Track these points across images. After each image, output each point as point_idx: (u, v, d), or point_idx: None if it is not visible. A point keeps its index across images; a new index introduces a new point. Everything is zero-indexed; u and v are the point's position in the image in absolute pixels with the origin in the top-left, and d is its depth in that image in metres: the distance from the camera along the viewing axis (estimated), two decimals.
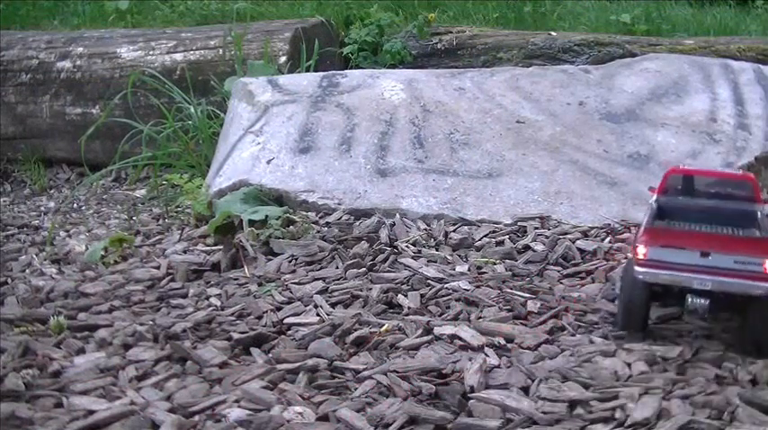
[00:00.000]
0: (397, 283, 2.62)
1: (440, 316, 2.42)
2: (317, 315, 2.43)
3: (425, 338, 2.24)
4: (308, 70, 4.50)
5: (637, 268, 2.06)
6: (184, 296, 2.68)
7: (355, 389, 2.02)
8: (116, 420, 1.89)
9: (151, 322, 2.43)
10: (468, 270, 2.75)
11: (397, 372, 2.04)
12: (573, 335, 2.31)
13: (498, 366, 2.09)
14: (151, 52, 5.10)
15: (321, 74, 3.95)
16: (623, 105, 3.70)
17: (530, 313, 2.43)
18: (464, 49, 5.11)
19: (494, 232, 3.07)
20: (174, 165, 4.26)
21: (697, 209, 2.27)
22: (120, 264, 3.04)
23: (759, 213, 2.25)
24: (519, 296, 2.52)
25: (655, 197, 2.30)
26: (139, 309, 2.58)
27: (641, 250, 2.05)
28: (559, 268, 2.81)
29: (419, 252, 2.89)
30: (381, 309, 2.45)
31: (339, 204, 3.24)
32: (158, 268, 2.91)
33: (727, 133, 3.58)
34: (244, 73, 4.37)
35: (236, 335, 2.30)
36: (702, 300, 2.05)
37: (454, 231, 3.07)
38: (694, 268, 2.03)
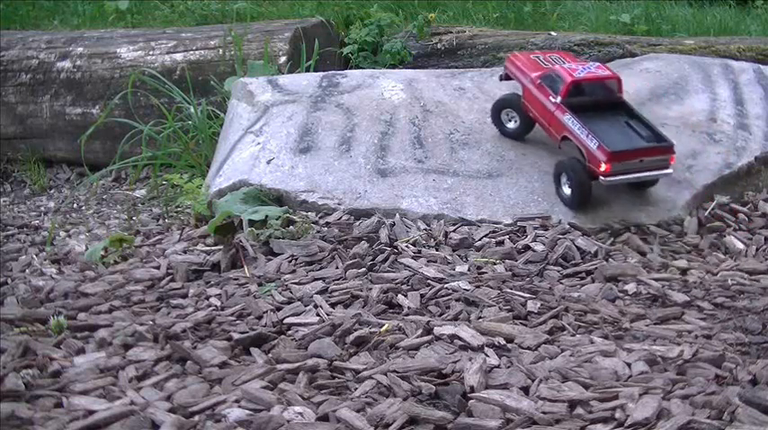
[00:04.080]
0: (397, 283, 2.62)
1: (440, 316, 2.42)
2: (317, 315, 2.43)
3: (425, 338, 2.24)
4: (308, 70, 4.50)
5: (602, 178, 3.01)
6: (184, 296, 2.68)
7: (355, 389, 2.02)
8: (116, 420, 1.90)
9: (151, 322, 2.43)
10: (468, 270, 2.75)
11: (397, 372, 2.04)
12: (573, 335, 2.31)
13: (498, 366, 2.10)
14: (151, 52, 5.10)
15: (321, 74, 3.95)
16: None
17: (530, 313, 2.43)
18: (464, 49, 5.11)
19: (494, 232, 3.07)
20: (174, 165, 4.26)
21: (590, 104, 3.13)
22: (120, 264, 3.04)
23: (626, 102, 3.24)
24: (519, 296, 2.53)
25: (560, 99, 3.11)
26: (139, 309, 2.58)
27: (603, 167, 2.98)
28: (559, 268, 2.81)
29: (419, 252, 2.89)
30: (381, 309, 2.45)
31: (339, 204, 3.24)
32: (158, 268, 2.91)
33: (727, 133, 3.58)
34: (244, 73, 4.38)
35: (236, 335, 2.30)
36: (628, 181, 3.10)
37: (454, 231, 3.07)
38: (635, 170, 3.05)
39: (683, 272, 2.82)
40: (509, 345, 2.22)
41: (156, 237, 3.37)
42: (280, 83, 3.84)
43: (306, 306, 2.49)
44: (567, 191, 3.15)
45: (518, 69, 3.35)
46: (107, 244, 3.17)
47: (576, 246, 2.91)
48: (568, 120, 3.09)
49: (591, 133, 3.01)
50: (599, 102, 3.18)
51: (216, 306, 2.56)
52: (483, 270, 2.76)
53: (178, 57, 5.02)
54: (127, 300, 2.66)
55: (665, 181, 3.33)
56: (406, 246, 2.92)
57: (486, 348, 2.18)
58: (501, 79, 3.51)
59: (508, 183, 3.31)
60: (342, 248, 2.89)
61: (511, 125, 3.44)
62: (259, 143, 3.51)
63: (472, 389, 1.95)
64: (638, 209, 3.23)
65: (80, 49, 5.22)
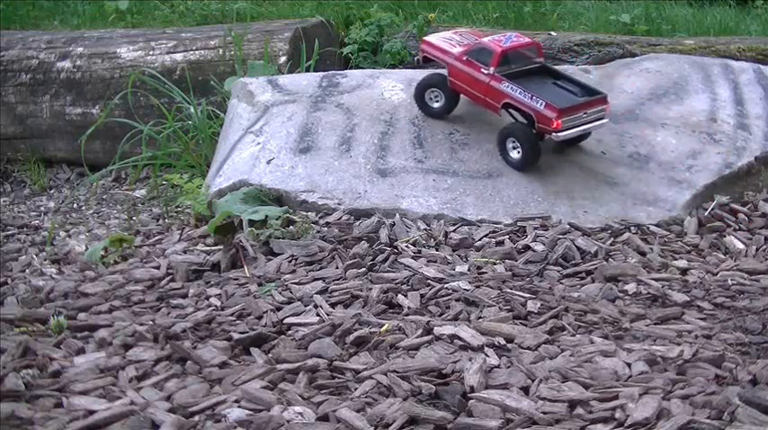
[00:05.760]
0: (397, 283, 2.62)
1: (440, 316, 2.42)
2: (317, 315, 2.43)
3: (425, 338, 2.24)
4: (308, 70, 4.50)
5: (554, 134, 3.16)
6: (184, 296, 2.68)
7: (355, 389, 2.02)
8: (116, 420, 1.90)
9: (151, 322, 2.43)
10: (468, 270, 2.75)
11: (397, 372, 2.04)
12: (573, 335, 2.31)
13: (498, 366, 2.10)
14: (151, 52, 5.10)
15: (321, 74, 3.95)
16: (623, 105, 3.70)
17: (530, 313, 2.43)
18: None
19: (494, 232, 3.07)
20: (174, 165, 4.26)
21: (518, 70, 3.30)
22: (120, 264, 3.04)
23: (547, 65, 3.45)
24: (519, 296, 2.52)
25: (492, 69, 3.25)
26: (139, 309, 2.58)
27: (555, 124, 3.13)
28: (559, 268, 2.81)
29: (419, 252, 2.89)
30: (381, 309, 2.45)
31: (339, 204, 3.24)
32: (158, 268, 2.91)
33: (727, 133, 3.58)
34: (244, 73, 4.38)
35: (236, 335, 2.30)
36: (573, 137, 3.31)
37: (454, 231, 3.07)
38: (581, 123, 3.22)
39: (683, 272, 2.82)
40: (509, 345, 2.22)
41: (156, 237, 3.37)
42: (280, 83, 3.84)
43: (306, 306, 2.49)
44: (515, 155, 3.31)
45: (438, 50, 3.47)
46: (107, 244, 3.17)
47: (576, 246, 2.91)
48: (507, 87, 3.22)
49: (534, 95, 3.16)
50: (524, 67, 3.35)
51: (216, 306, 2.56)
52: (483, 270, 2.76)
53: (178, 57, 5.02)
54: (127, 300, 2.66)
55: (666, 181, 3.34)
56: (406, 246, 2.92)
57: (486, 348, 2.18)
58: (418, 64, 3.68)
59: (508, 183, 3.31)
60: (342, 248, 2.89)
61: (436, 104, 3.53)
62: (259, 143, 3.51)
63: (472, 389, 1.95)
64: (638, 209, 3.24)
65: (80, 49, 5.22)
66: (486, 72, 3.27)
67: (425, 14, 5.34)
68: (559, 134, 3.17)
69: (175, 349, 2.23)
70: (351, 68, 4.82)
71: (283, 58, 4.79)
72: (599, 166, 3.40)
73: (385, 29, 5.28)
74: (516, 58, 3.33)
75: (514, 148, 3.30)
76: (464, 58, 3.34)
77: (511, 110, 3.30)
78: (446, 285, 2.58)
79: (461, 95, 3.48)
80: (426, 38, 3.59)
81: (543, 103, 3.13)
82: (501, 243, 2.98)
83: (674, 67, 3.92)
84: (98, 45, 5.24)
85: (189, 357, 2.19)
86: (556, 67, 3.59)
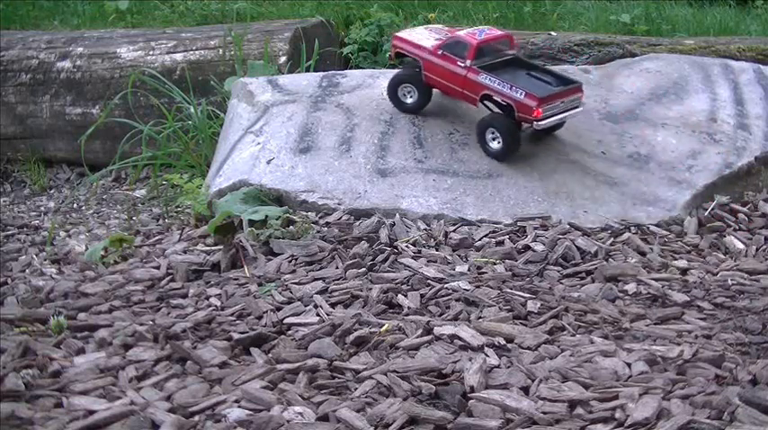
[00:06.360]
0: (397, 283, 2.62)
1: (440, 316, 2.42)
2: (317, 315, 2.43)
3: (425, 338, 2.24)
4: (308, 70, 4.50)
5: (536, 123, 3.20)
6: (184, 296, 2.68)
7: (355, 389, 2.02)
8: (116, 420, 1.90)
9: (151, 322, 2.43)
10: (468, 270, 2.75)
11: (397, 372, 2.04)
12: (573, 335, 2.31)
13: (498, 366, 2.10)
14: (151, 52, 5.10)
15: (321, 74, 3.95)
16: (623, 105, 3.70)
17: (530, 313, 2.43)
18: None
19: (494, 232, 3.07)
20: (174, 165, 4.26)
21: (492, 62, 3.34)
22: (120, 264, 3.04)
23: (519, 56, 3.52)
24: (519, 296, 2.52)
25: (469, 62, 3.28)
26: (139, 309, 2.58)
27: (535, 113, 3.17)
28: (559, 268, 2.81)
29: (419, 252, 2.89)
30: (381, 309, 2.45)
31: (339, 204, 3.24)
32: (158, 268, 2.91)
33: (728, 133, 3.58)
34: (244, 73, 4.38)
35: (236, 335, 2.30)
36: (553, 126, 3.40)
37: (454, 231, 3.07)
38: (558, 111, 3.26)
39: (683, 272, 2.82)
40: (509, 345, 2.22)
41: (156, 237, 3.37)
42: (280, 83, 3.84)
43: (306, 306, 2.49)
44: (495, 145, 3.36)
45: (411, 45, 3.49)
46: (107, 244, 3.17)
47: (576, 246, 2.91)
48: (485, 78, 3.26)
49: (513, 85, 3.20)
50: (498, 59, 3.39)
51: (216, 306, 2.56)
52: (483, 270, 2.75)
53: (178, 57, 5.02)
54: (127, 300, 2.66)
55: (666, 181, 3.34)
56: (406, 246, 2.92)
57: (486, 348, 2.18)
58: (390, 60, 3.73)
59: (508, 183, 3.31)
60: (342, 248, 2.89)
61: (409, 100, 3.55)
62: (259, 143, 3.51)
63: (472, 389, 1.95)
64: (638, 209, 3.24)
65: (80, 49, 5.22)
66: (462, 65, 3.30)
67: (425, 14, 5.34)
68: (540, 122, 3.22)
69: (175, 349, 2.23)
70: (351, 68, 4.82)
71: (283, 58, 4.79)
72: (599, 166, 3.40)
73: (385, 29, 5.28)
74: (490, 51, 3.38)
75: (494, 139, 3.35)
76: (439, 52, 3.37)
77: (487, 102, 3.34)
78: (446, 285, 2.58)
79: (434, 90, 3.51)
80: (398, 33, 3.62)
81: (523, 93, 3.18)
82: (501, 243, 2.98)
83: (674, 67, 3.93)
84: (98, 45, 5.24)
85: (189, 357, 2.19)
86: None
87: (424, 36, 3.51)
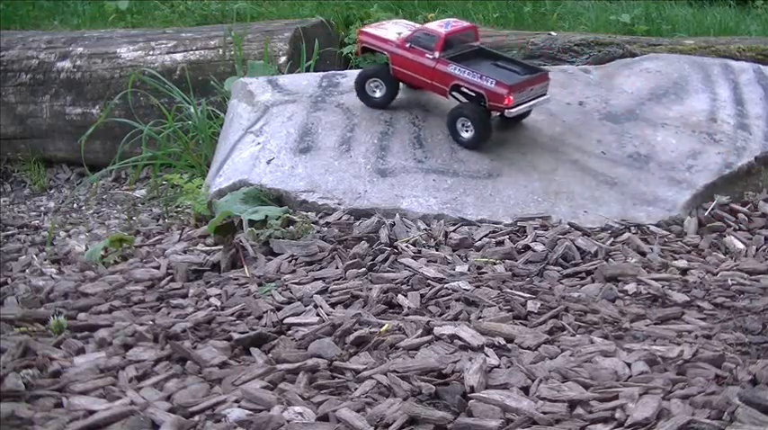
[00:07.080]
0: (397, 283, 2.62)
1: (440, 316, 2.42)
2: (317, 315, 2.43)
3: (425, 338, 2.24)
4: (308, 70, 4.50)
5: (507, 111, 3.25)
6: (184, 296, 2.68)
7: (355, 389, 2.02)
8: (116, 420, 1.90)
9: (151, 322, 2.43)
10: (468, 270, 2.75)
11: (397, 372, 2.04)
12: (573, 335, 2.31)
13: (498, 366, 2.10)
14: (151, 52, 5.10)
15: (321, 74, 3.95)
16: (623, 105, 3.70)
17: (530, 313, 2.43)
18: None
19: (494, 232, 3.07)
20: (174, 165, 4.26)
21: (460, 53, 3.38)
22: (120, 264, 3.04)
23: (484, 47, 3.56)
24: (519, 296, 2.52)
25: (438, 54, 3.32)
26: (139, 309, 2.58)
27: (506, 101, 3.21)
28: (559, 268, 2.81)
29: (419, 252, 2.89)
30: (381, 309, 2.45)
31: (339, 204, 3.24)
32: (158, 268, 2.91)
33: (728, 133, 3.58)
34: (244, 73, 4.38)
35: (236, 335, 2.30)
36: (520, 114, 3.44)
37: (454, 231, 3.07)
38: (527, 99, 3.32)
39: (683, 272, 2.82)
40: (509, 345, 2.22)
41: (156, 237, 3.37)
42: (280, 83, 3.84)
43: (306, 306, 2.49)
44: (467, 134, 3.40)
45: (378, 39, 3.51)
46: (107, 244, 3.17)
47: (576, 246, 2.91)
48: (454, 69, 3.30)
49: (483, 75, 3.25)
50: (465, 51, 3.43)
51: (216, 306, 2.56)
52: (483, 270, 2.75)
53: (178, 57, 5.02)
54: (127, 300, 2.66)
55: (666, 181, 3.34)
56: (406, 246, 2.92)
57: (486, 348, 2.17)
58: (356, 55, 3.74)
59: (508, 182, 3.31)
60: (342, 248, 2.89)
61: (378, 94, 3.58)
62: (259, 143, 3.51)
63: (472, 389, 1.95)
64: (638, 209, 3.24)
65: (80, 49, 5.22)
66: (431, 57, 3.33)
67: (425, 14, 5.34)
68: (512, 110, 3.27)
69: (175, 349, 2.23)
70: (351, 68, 4.82)
71: (283, 58, 4.79)
72: (599, 166, 3.40)
73: None
74: (457, 42, 3.42)
75: (465, 128, 3.39)
76: (407, 45, 3.40)
77: (455, 92, 3.36)
78: (446, 285, 2.58)
79: (402, 83, 3.54)
80: (363, 28, 3.66)
81: (494, 81, 3.22)
82: (501, 243, 2.98)
83: (674, 67, 3.93)
84: (98, 45, 5.24)
85: (189, 357, 2.19)
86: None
87: (390, 30, 3.53)
